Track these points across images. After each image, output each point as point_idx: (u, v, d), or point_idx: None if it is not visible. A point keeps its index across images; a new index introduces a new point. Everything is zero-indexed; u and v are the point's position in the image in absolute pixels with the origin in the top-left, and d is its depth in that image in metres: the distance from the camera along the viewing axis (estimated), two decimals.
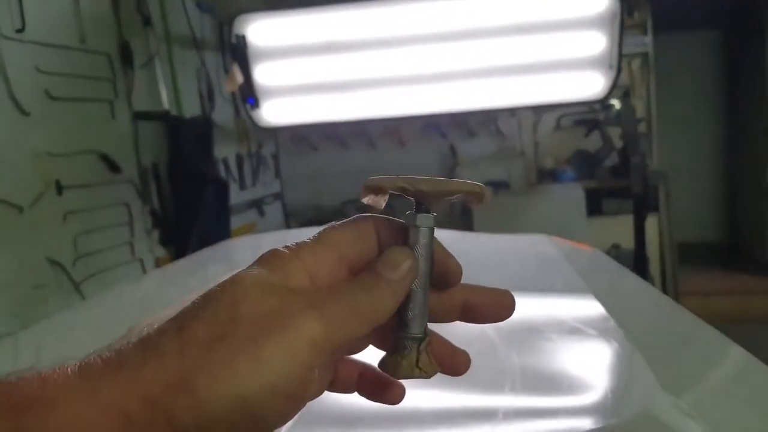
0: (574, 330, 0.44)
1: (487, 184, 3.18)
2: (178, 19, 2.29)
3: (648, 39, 3.19)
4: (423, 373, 0.29)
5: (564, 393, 0.34)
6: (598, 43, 1.80)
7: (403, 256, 0.28)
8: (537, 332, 0.43)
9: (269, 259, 0.27)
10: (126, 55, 1.93)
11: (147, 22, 2.06)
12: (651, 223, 2.94)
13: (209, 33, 2.55)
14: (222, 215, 2.25)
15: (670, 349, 0.42)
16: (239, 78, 1.84)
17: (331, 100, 1.92)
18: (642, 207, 2.17)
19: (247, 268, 0.27)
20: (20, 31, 1.50)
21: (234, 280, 0.26)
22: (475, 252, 0.78)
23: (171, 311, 0.26)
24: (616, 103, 2.60)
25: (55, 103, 1.64)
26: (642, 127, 3.15)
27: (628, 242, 2.72)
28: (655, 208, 2.91)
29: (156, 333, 0.25)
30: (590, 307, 0.52)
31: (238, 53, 1.98)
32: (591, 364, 0.38)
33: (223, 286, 0.26)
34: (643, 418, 0.30)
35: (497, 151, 3.35)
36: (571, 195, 2.92)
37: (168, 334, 0.24)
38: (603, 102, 2.14)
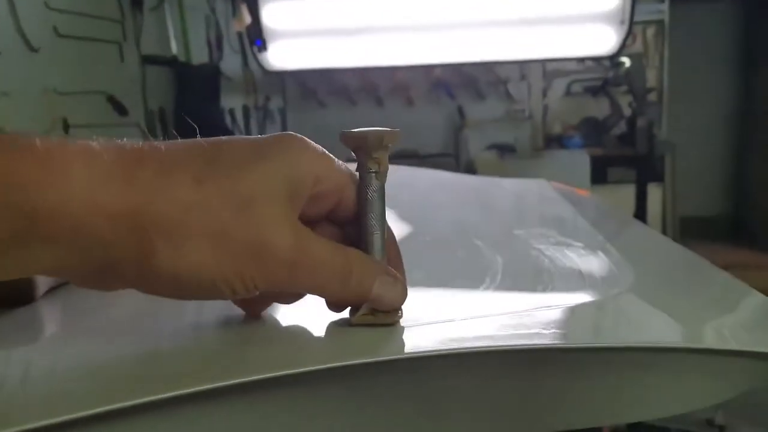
0: (560, 242, 0.44)
1: (494, 147, 3.17)
2: None
3: (664, 6, 3.14)
4: (384, 318, 0.29)
5: (546, 284, 0.35)
6: None
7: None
8: (523, 242, 0.44)
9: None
10: None
11: None
12: (655, 194, 2.94)
13: None
14: None
15: (681, 291, 0.41)
16: (247, 18, 1.83)
17: (338, 45, 1.90)
18: (645, 173, 2.17)
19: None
20: None
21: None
22: (466, 191, 0.79)
23: None
24: (626, 61, 2.56)
25: (63, 41, 1.63)
26: (653, 96, 3.12)
27: (630, 211, 2.73)
28: (660, 179, 2.90)
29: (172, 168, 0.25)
30: (582, 230, 0.53)
31: None
32: (575, 264, 0.39)
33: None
34: (626, 296, 0.32)
35: (505, 115, 3.33)
36: (577, 162, 2.91)
37: (185, 185, 0.25)
38: (613, 59, 2.12)
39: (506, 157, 3.09)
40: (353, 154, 0.30)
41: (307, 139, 0.28)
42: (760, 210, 3.67)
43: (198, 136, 0.27)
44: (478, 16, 1.84)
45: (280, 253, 0.26)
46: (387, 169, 0.29)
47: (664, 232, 2.98)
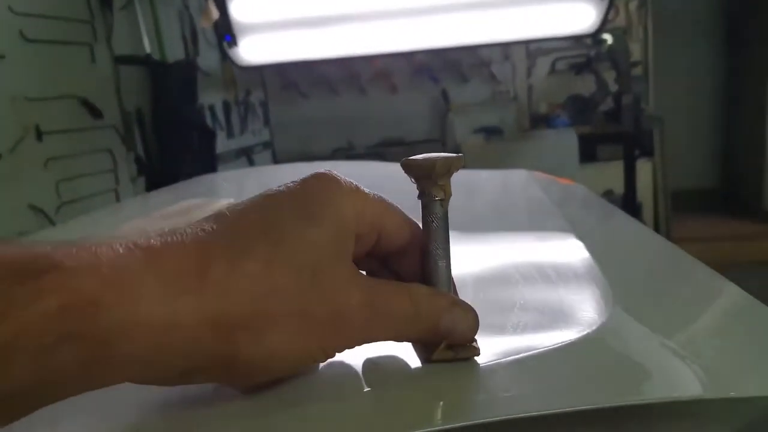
0: (532, 257, 0.42)
1: (480, 130, 3.14)
2: None
3: None
4: (464, 352, 0.28)
5: (516, 322, 0.32)
6: None
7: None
8: (493, 251, 0.41)
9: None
10: None
11: None
12: (645, 169, 2.92)
13: None
14: (208, 163, 2.23)
15: (658, 287, 0.40)
16: (215, 13, 1.79)
17: (312, 36, 1.85)
18: (633, 149, 2.15)
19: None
20: None
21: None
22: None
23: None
24: (608, 38, 2.52)
25: (31, 46, 1.59)
26: (638, 71, 3.09)
27: (621, 188, 2.71)
28: (650, 153, 2.88)
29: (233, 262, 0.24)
30: (558, 229, 0.50)
31: None
32: (548, 288, 0.37)
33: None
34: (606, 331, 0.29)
35: (490, 96, 3.30)
36: (565, 141, 2.88)
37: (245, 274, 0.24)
38: (595, 36, 2.08)
39: (493, 140, 3.06)
40: (414, 181, 0.28)
41: (335, 175, 0.27)
42: (749, 180, 3.66)
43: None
44: None
45: (355, 314, 0.25)
46: (450, 195, 0.28)
47: (655, 207, 2.96)
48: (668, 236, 2.88)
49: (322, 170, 0.27)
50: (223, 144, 2.59)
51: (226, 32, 1.86)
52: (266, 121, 3.27)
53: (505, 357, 0.28)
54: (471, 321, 0.28)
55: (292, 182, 0.27)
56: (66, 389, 0.21)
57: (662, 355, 0.29)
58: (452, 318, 0.27)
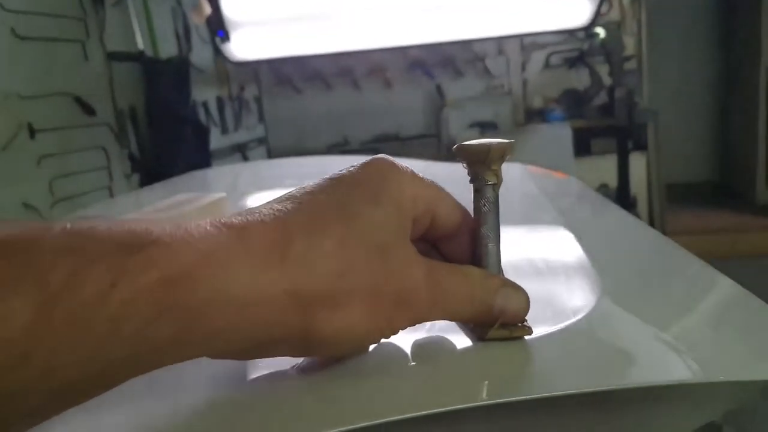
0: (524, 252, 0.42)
1: (475, 125, 3.14)
2: None
3: None
4: (518, 331, 0.28)
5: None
6: None
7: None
8: None
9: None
10: None
11: None
12: (640, 162, 2.93)
13: None
14: (202, 159, 2.22)
15: (649, 278, 0.40)
16: (207, 9, 1.78)
17: (305, 31, 1.85)
18: (627, 142, 2.15)
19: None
20: None
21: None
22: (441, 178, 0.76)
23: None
24: (602, 32, 2.52)
25: (22, 43, 1.58)
26: (632, 64, 3.09)
27: (616, 182, 2.72)
28: (644, 146, 2.89)
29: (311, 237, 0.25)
30: (553, 225, 0.50)
31: None
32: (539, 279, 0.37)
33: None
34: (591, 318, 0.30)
35: (485, 91, 3.29)
36: (559, 135, 2.88)
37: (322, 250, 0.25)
38: (587, 30, 2.08)
39: (488, 135, 3.06)
40: (467, 166, 0.29)
41: (392, 159, 0.28)
42: (743, 173, 3.67)
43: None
44: None
45: (420, 293, 0.26)
46: (502, 181, 0.29)
47: (649, 200, 2.97)
48: (663, 229, 2.88)
49: (379, 155, 0.28)
50: (217, 140, 2.58)
51: (218, 28, 1.85)
52: (260, 117, 3.26)
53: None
54: (522, 301, 0.29)
55: (352, 166, 0.28)
56: (156, 361, 0.22)
57: (651, 341, 0.30)
58: (505, 298, 0.28)
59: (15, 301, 0.18)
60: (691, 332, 0.31)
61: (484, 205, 0.29)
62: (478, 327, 0.29)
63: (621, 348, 0.29)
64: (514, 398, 0.24)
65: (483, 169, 0.29)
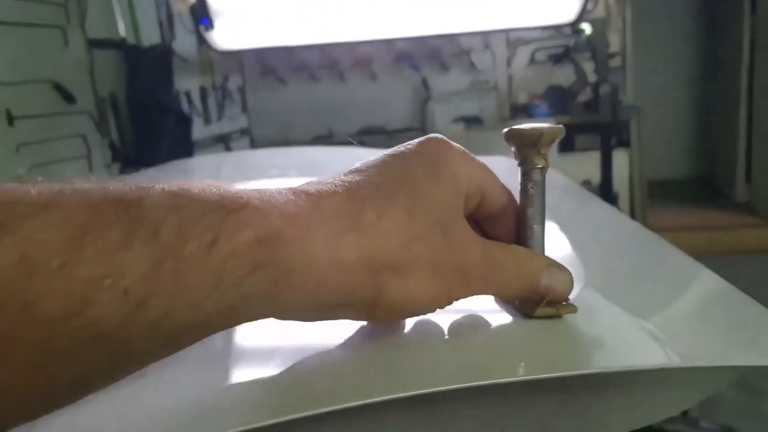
0: None
1: (460, 119, 3.14)
2: None
3: None
4: (565, 309, 0.29)
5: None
6: None
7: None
8: None
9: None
10: None
11: None
12: (623, 159, 2.95)
13: None
14: (185, 149, 2.20)
15: (635, 271, 0.40)
16: None
17: (291, 21, 1.83)
18: (610, 139, 2.16)
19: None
20: None
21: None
22: None
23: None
24: (586, 28, 2.53)
25: (1, 28, 1.55)
26: (617, 61, 3.11)
27: (598, 178, 2.73)
28: (627, 143, 2.90)
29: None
30: None
31: None
32: None
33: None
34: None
35: (470, 85, 3.29)
36: None
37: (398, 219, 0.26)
38: (573, 26, 2.09)
39: (473, 129, 3.06)
40: (515, 149, 0.30)
41: (447, 139, 0.29)
42: (725, 171, 3.71)
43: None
44: None
45: (479, 268, 0.28)
46: (549, 165, 0.30)
47: (631, 196, 2.99)
48: (644, 226, 2.90)
49: (434, 134, 0.30)
50: (199, 131, 2.55)
51: (203, 16, 1.83)
52: (244, 108, 3.23)
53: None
54: (567, 280, 0.30)
55: (410, 143, 0.29)
56: (251, 314, 0.24)
57: (632, 330, 0.30)
58: (551, 277, 0.29)
59: (131, 255, 0.20)
60: (673, 322, 0.31)
61: (532, 187, 0.30)
62: (523, 305, 0.30)
63: (602, 336, 0.29)
64: (492, 381, 0.24)
65: (533, 152, 0.30)
